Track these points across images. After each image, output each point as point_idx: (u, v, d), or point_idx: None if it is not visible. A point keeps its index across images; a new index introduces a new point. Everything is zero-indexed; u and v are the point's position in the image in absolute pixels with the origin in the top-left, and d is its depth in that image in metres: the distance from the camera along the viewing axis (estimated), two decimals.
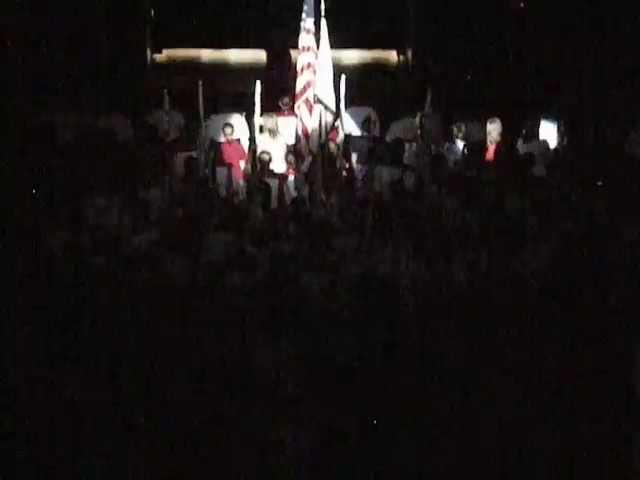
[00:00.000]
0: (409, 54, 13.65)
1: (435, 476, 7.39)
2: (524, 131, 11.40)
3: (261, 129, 11.22)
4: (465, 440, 7.47)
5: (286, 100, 11.56)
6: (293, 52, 12.03)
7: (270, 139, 11.29)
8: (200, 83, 10.77)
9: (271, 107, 11.39)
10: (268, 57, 12.76)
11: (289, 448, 7.44)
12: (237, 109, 11.85)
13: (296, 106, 11.33)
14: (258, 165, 10.81)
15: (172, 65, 13.44)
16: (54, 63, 12.05)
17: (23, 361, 7.11)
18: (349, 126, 11.57)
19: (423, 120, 11.13)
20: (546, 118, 11.67)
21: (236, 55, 13.54)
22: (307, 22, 11.31)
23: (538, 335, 7.80)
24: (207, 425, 7.45)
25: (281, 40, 12.57)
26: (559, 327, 7.87)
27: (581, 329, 7.84)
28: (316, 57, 11.30)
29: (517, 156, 11.07)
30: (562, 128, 11.45)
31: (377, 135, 11.80)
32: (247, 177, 10.77)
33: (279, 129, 11.42)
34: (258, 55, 13.20)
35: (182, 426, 7.43)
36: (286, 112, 11.56)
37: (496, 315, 7.97)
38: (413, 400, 7.53)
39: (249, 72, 12.47)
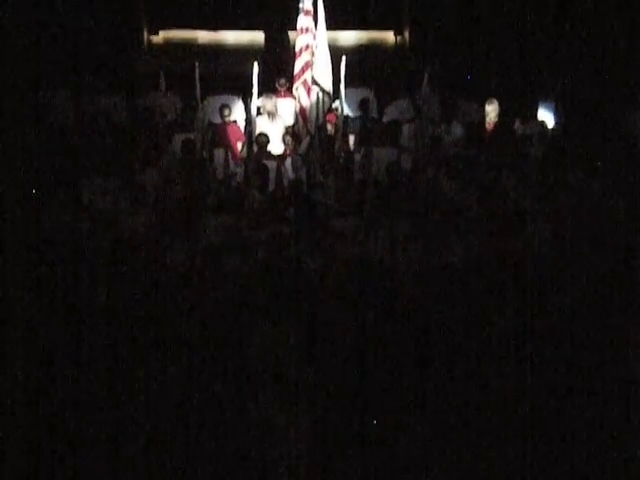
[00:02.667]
0: (406, 35, 13.62)
1: (435, 458, 7.41)
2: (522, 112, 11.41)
3: (259, 111, 11.20)
4: (465, 420, 7.49)
5: (283, 81, 11.52)
6: (291, 34, 12.00)
7: (268, 121, 11.27)
8: (197, 65, 10.74)
9: (269, 89, 11.37)
10: (266, 39, 12.70)
11: (288, 431, 7.46)
12: (235, 91, 11.83)
13: (294, 88, 11.30)
14: (255, 147, 10.80)
15: (169, 47, 13.41)
16: (50, 44, 12.00)
17: (20, 341, 7.11)
18: (346, 107, 11.55)
19: (420, 101, 11.12)
20: (544, 99, 11.66)
21: (234, 36, 13.51)
22: (305, 3, 11.27)
23: (535, 316, 7.80)
24: (205, 408, 7.46)
25: (279, 21, 12.52)
26: (556, 308, 7.88)
27: (578, 310, 7.85)
28: (314, 38, 11.27)
29: (515, 137, 11.07)
30: (559, 109, 11.43)
31: (374, 116, 11.79)
32: (245, 159, 10.76)
33: (277, 111, 11.40)
34: (256, 36, 13.16)
35: (179, 409, 7.44)
36: (283, 93, 11.54)
37: (493, 296, 7.97)
38: (411, 381, 7.55)
39: (247, 54, 12.43)
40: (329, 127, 11.00)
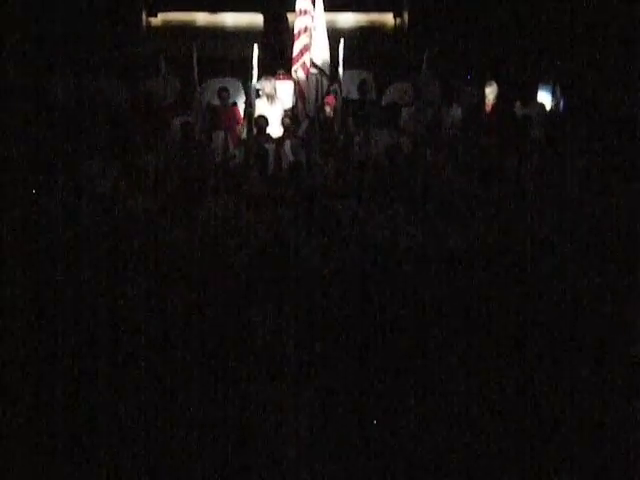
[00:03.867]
0: (405, 17, 13.59)
1: (436, 440, 7.43)
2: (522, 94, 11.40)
3: (258, 93, 11.19)
4: (465, 402, 7.51)
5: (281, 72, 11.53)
6: (290, 15, 11.98)
7: (267, 104, 11.25)
8: (194, 47, 10.73)
9: (268, 71, 11.34)
10: (265, 21, 12.67)
11: (289, 413, 7.48)
12: (234, 73, 11.80)
13: (293, 70, 11.28)
14: (255, 130, 10.79)
15: (167, 29, 13.37)
16: (49, 27, 11.98)
17: (20, 323, 7.13)
18: (345, 90, 11.53)
19: (420, 84, 11.11)
20: (543, 81, 11.64)
21: (232, 18, 13.48)
22: None
23: (535, 298, 7.82)
24: (206, 389, 7.47)
25: (278, 3, 12.49)
26: (557, 290, 7.90)
27: (580, 293, 7.87)
28: (312, 20, 11.24)
29: (515, 119, 11.05)
30: (557, 92, 11.42)
31: (373, 99, 11.78)
32: (244, 142, 10.75)
33: (276, 93, 11.38)
34: (254, 18, 13.13)
35: (183, 390, 7.46)
36: (281, 76, 11.52)
37: (492, 279, 7.99)
38: (411, 362, 7.57)
39: (246, 36, 12.40)
40: (328, 110, 10.97)
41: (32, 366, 7.25)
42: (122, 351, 7.53)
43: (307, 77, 11.22)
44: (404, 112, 11.22)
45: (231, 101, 11.45)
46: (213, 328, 7.63)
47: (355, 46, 11.70)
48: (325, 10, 11.32)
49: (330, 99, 11.19)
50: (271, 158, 10.28)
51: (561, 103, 11.34)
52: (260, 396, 7.45)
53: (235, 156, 10.55)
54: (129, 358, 7.50)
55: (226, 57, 12.33)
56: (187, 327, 7.64)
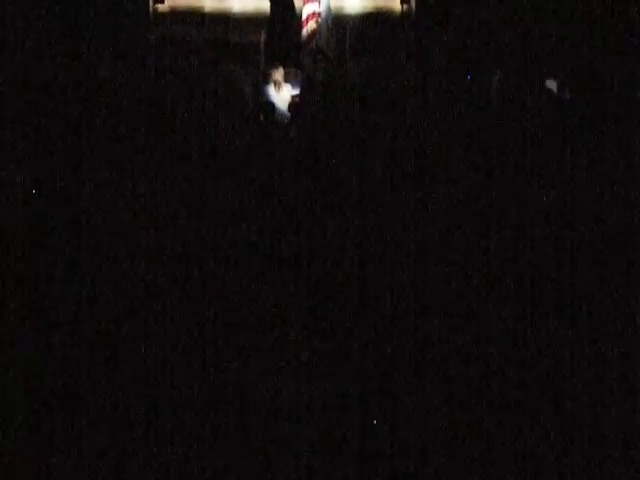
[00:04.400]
0: (413, 3, 13.59)
1: (438, 424, 7.46)
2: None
3: (266, 79, 11.20)
4: (467, 387, 7.53)
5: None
6: (297, 1, 11.99)
7: (275, 90, 11.27)
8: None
9: (276, 57, 11.37)
10: (272, 6, 12.68)
11: (290, 396, 7.50)
12: (241, 60, 11.82)
13: (301, 56, 11.30)
14: (262, 116, 10.81)
15: (175, 15, 13.38)
16: (55, 13, 12.00)
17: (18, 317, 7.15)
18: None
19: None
20: (550, 72, 11.64)
21: (240, 4, 13.48)
22: None
23: (534, 281, 7.84)
24: (204, 372, 7.49)
25: None
26: (558, 276, 7.92)
27: (583, 278, 7.89)
28: (319, 6, 11.27)
29: (522, 107, 11.05)
30: (563, 80, 11.42)
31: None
32: (250, 127, 10.78)
33: (284, 80, 11.40)
34: (262, 4, 13.14)
35: (181, 372, 7.47)
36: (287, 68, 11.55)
37: (493, 261, 8.01)
38: (415, 345, 7.59)
39: (253, 22, 12.43)
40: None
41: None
42: (120, 335, 7.55)
43: (315, 63, 11.25)
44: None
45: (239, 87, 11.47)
46: (214, 310, 7.64)
47: (362, 32, 11.72)
48: None
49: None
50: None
51: (567, 94, 11.35)
52: (259, 381, 7.47)
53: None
54: (126, 344, 7.53)
55: (234, 43, 12.36)
56: (188, 310, 7.65)
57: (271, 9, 12.81)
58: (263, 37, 10.91)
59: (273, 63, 11.19)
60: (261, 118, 10.73)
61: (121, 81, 11.59)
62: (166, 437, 7.16)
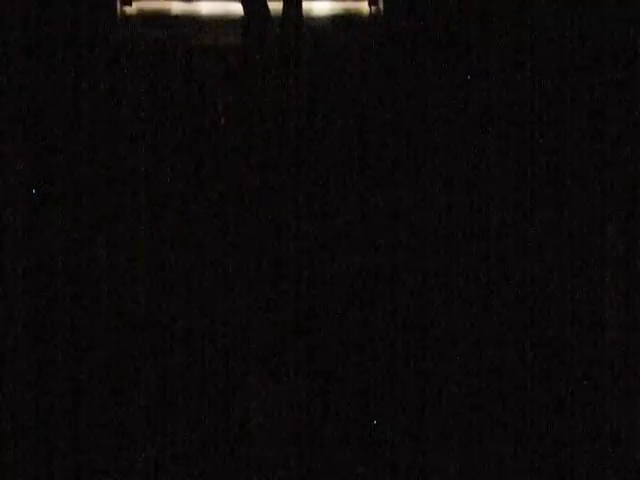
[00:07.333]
0: (381, 5, 13.57)
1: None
2: None
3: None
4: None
5: None
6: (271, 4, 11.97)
7: None
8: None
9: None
10: (244, 7, 12.61)
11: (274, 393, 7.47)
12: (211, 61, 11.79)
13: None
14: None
15: (142, 18, 13.28)
16: (18, 16, 11.85)
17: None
18: None
19: None
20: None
21: (208, 7, 13.40)
22: None
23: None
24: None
25: None
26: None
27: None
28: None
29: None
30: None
31: None
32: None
33: None
34: (230, 7, 13.07)
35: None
36: None
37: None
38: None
39: (223, 25, 12.38)
40: None
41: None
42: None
43: None
44: None
45: None
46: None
47: (329, 35, 11.70)
48: None
49: None
50: None
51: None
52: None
53: None
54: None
55: (203, 47, 12.29)
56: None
57: (244, 10, 12.75)
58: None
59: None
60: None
61: (86, 85, 11.52)
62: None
